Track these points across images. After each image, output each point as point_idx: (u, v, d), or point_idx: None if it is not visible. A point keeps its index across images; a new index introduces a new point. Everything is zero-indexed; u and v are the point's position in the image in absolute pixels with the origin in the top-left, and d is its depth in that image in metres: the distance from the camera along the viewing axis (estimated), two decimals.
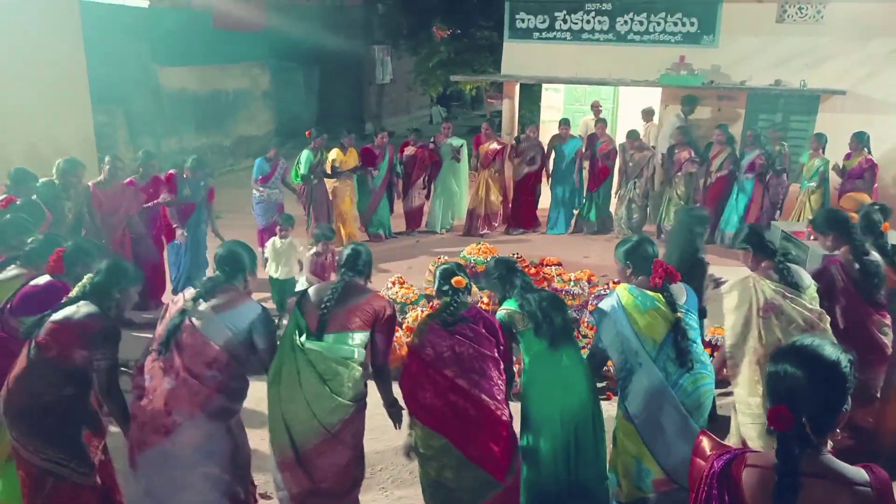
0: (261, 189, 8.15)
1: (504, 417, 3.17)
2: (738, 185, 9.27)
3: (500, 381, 3.22)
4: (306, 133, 8.88)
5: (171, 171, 7.01)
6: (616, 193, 10.07)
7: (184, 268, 7.08)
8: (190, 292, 3.14)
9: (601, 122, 10.08)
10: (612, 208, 10.23)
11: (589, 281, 6.70)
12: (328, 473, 3.13)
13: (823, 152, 8.89)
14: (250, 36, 15.18)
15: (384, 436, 4.27)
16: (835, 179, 8.89)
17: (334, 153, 8.91)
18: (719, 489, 1.78)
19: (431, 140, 9.92)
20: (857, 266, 4.01)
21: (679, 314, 3.24)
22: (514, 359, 3.54)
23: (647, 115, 10.75)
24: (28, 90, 7.92)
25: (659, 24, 11.02)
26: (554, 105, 13.35)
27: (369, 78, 19.66)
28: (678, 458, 3.07)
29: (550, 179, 10.13)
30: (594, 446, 3.42)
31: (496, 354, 3.25)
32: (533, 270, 6.68)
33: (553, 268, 6.90)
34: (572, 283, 6.56)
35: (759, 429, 3.46)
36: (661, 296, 3.28)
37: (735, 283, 3.69)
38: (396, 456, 4.33)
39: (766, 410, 1.79)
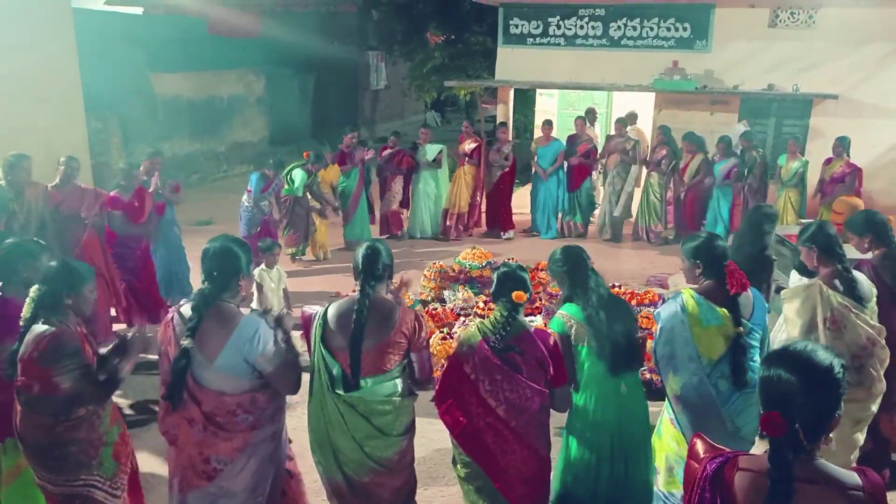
0: (250, 201, 7.98)
1: (545, 461, 3.01)
2: (718, 193, 9.20)
3: (544, 418, 3.00)
4: (304, 154, 8.70)
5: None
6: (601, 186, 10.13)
7: (166, 270, 6.76)
8: (179, 318, 2.75)
9: (580, 120, 10.12)
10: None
11: None
12: (385, 496, 2.96)
13: (802, 154, 9.00)
14: (245, 42, 15.20)
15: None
16: (812, 183, 8.96)
17: (299, 175, 8.47)
18: (712, 492, 1.78)
19: (411, 144, 9.85)
20: (890, 270, 3.89)
21: (741, 329, 3.03)
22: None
23: (631, 119, 10.78)
24: (21, 97, 7.89)
25: (652, 29, 11.07)
26: (548, 110, 13.37)
27: (364, 84, 19.67)
28: None
29: (531, 183, 10.20)
30: (644, 473, 3.22)
31: (544, 387, 2.97)
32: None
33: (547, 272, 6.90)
34: None
35: None
36: (726, 311, 3.04)
37: (798, 289, 3.53)
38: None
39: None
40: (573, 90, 12.59)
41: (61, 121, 8.61)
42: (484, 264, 7.07)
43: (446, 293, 6.83)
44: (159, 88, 12.91)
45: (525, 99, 14.23)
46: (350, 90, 19.00)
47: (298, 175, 8.37)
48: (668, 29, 11.00)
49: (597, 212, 10.22)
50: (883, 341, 3.42)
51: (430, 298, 6.86)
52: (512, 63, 11.90)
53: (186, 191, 7.72)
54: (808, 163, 8.95)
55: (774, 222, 4.76)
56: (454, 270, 7.10)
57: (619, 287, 6.77)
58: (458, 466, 3.11)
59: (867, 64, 10.22)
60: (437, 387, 3.13)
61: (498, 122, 10.94)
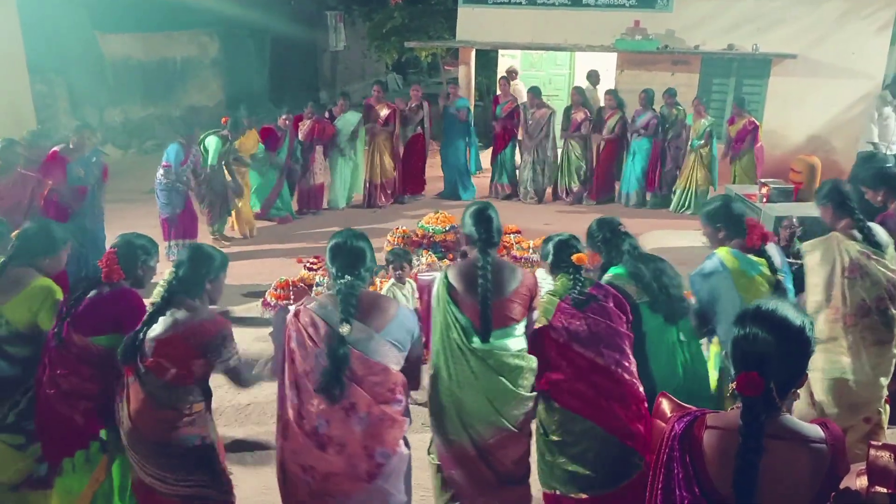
0: (165, 174, 7.16)
1: (643, 395, 3.00)
2: (634, 147, 9.53)
3: (632, 358, 3.03)
4: (222, 120, 8.00)
5: (55, 148, 6.04)
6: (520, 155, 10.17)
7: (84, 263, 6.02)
8: (318, 308, 2.64)
9: (502, 80, 10.08)
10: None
11: None
12: (508, 464, 2.96)
13: (706, 113, 9.29)
14: (197, 2, 14.67)
15: None
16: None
17: (213, 141, 7.85)
18: (681, 451, 1.78)
19: (326, 113, 9.40)
20: None
21: (780, 276, 3.20)
22: None
23: (592, 79, 10.73)
24: None
25: None
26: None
27: (322, 45, 19.22)
28: None
29: (440, 143, 10.18)
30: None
31: (628, 330, 3.02)
32: None
33: (512, 235, 6.89)
34: (531, 251, 6.56)
35: (822, 385, 3.49)
36: (763, 259, 3.20)
37: (817, 241, 3.66)
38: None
39: (735, 373, 1.77)
40: (536, 51, 12.46)
41: (3, 84, 8.25)
42: (447, 228, 7.01)
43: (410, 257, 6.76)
44: (107, 50, 12.42)
45: (487, 60, 14.05)
46: (308, 51, 18.56)
47: (212, 143, 7.66)
48: None
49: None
50: None
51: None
52: (473, 23, 11.71)
53: (141, 158, 7.47)
54: (714, 121, 9.31)
55: None
56: (417, 235, 7.03)
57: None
58: (553, 433, 3.01)
59: (825, 23, 10.30)
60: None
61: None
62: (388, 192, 9.75)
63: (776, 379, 1.71)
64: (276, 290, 5.47)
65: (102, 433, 2.98)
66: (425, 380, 3.01)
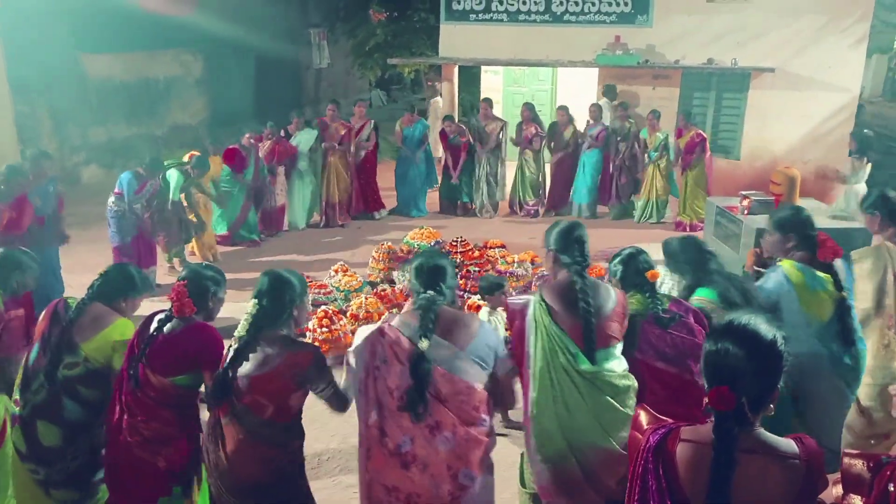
0: (116, 202, 6.83)
1: None
2: (583, 159, 9.78)
3: None
4: (188, 156, 7.77)
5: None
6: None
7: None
8: (401, 324, 2.63)
9: (448, 121, 10.17)
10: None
11: (532, 262, 6.73)
12: (613, 485, 2.85)
13: (659, 126, 9.52)
14: (180, 21, 14.65)
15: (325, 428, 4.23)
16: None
17: (175, 176, 7.54)
18: (654, 463, 1.79)
19: (281, 132, 9.18)
20: None
21: (844, 293, 3.18)
22: None
23: (611, 93, 10.77)
24: None
25: (594, 4, 11.09)
26: (494, 87, 13.34)
27: (306, 63, 19.26)
28: (834, 426, 3.12)
29: (396, 162, 10.29)
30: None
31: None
32: (477, 253, 6.67)
33: (497, 250, 6.91)
34: (516, 265, 6.59)
35: (871, 390, 3.55)
36: (829, 276, 3.18)
37: (868, 250, 3.71)
38: (341, 446, 4.32)
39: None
40: (518, 67, 12.56)
41: None
42: (432, 244, 7.02)
43: (395, 274, 6.77)
44: (90, 70, 12.38)
45: (470, 77, 14.15)
46: (292, 69, 18.57)
47: (174, 177, 7.38)
48: (610, 4, 11.04)
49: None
50: None
51: (378, 280, 6.79)
52: (455, 40, 11.79)
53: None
54: (668, 133, 9.50)
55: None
56: (402, 251, 7.04)
57: None
58: None
59: (802, 37, 10.46)
60: None
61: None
62: (346, 211, 9.70)
63: (748, 394, 1.72)
64: None
65: (185, 477, 2.88)
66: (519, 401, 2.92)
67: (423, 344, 2.50)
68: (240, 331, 2.69)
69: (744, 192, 7.13)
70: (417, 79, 18.14)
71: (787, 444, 1.76)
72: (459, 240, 6.81)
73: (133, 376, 2.79)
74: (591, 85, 11.68)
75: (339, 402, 2.80)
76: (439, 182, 10.42)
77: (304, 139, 9.18)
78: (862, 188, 7.98)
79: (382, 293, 6.21)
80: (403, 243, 7.17)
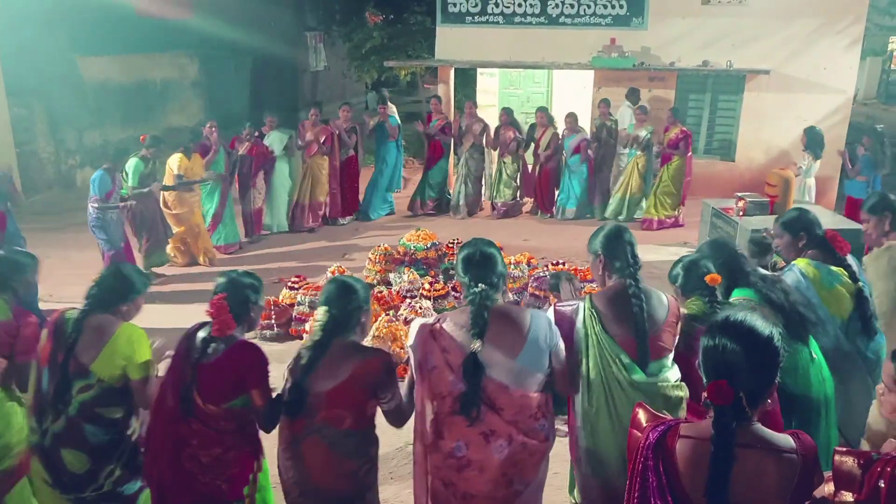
0: (99, 207, 6.62)
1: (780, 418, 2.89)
2: (568, 169, 9.79)
3: None
4: (140, 138, 7.34)
5: None
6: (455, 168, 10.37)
7: None
8: (452, 325, 2.52)
9: (434, 99, 10.43)
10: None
11: (528, 263, 6.75)
12: None
13: (645, 123, 9.58)
14: (177, 24, 14.67)
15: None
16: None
17: (176, 160, 7.59)
18: (654, 460, 1.81)
19: (256, 133, 8.89)
20: None
21: (860, 284, 3.22)
22: None
23: (633, 96, 10.58)
24: None
25: (589, 6, 11.12)
26: (489, 89, 13.37)
27: (303, 65, 19.28)
28: (860, 420, 3.07)
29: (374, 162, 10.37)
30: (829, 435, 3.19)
31: None
32: None
33: None
34: (512, 266, 6.60)
35: None
36: (842, 269, 3.21)
37: (881, 251, 3.71)
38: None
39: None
40: (514, 69, 12.59)
41: None
42: (429, 246, 7.04)
43: (392, 276, 6.78)
44: (87, 72, 12.38)
45: (466, 79, 14.17)
46: (289, 72, 18.58)
47: (131, 165, 7.02)
48: (605, 6, 11.07)
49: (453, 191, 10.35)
50: None
51: (375, 281, 6.80)
52: (451, 42, 11.81)
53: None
54: (653, 130, 9.56)
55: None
56: (399, 253, 7.05)
57: (564, 264, 6.82)
58: None
59: (797, 39, 10.52)
60: None
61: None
62: (319, 213, 9.62)
63: (745, 388, 1.75)
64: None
65: (245, 492, 2.77)
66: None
67: (476, 345, 2.42)
68: (312, 337, 2.64)
69: (739, 194, 7.16)
70: (413, 81, 18.16)
71: (784, 438, 1.79)
72: (455, 241, 6.83)
73: (184, 409, 2.64)
74: (586, 87, 11.71)
75: (398, 415, 2.73)
76: (402, 187, 10.56)
77: (275, 140, 9.01)
78: (812, 182, 8.24)
79: (379, 295, 6.22)
80: (400, 244, 7.18)
